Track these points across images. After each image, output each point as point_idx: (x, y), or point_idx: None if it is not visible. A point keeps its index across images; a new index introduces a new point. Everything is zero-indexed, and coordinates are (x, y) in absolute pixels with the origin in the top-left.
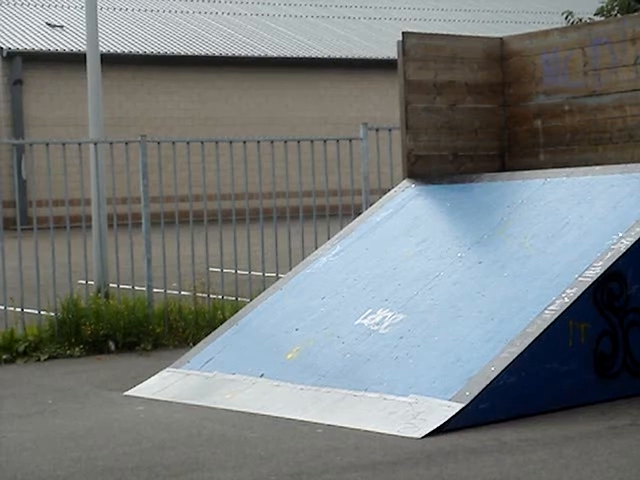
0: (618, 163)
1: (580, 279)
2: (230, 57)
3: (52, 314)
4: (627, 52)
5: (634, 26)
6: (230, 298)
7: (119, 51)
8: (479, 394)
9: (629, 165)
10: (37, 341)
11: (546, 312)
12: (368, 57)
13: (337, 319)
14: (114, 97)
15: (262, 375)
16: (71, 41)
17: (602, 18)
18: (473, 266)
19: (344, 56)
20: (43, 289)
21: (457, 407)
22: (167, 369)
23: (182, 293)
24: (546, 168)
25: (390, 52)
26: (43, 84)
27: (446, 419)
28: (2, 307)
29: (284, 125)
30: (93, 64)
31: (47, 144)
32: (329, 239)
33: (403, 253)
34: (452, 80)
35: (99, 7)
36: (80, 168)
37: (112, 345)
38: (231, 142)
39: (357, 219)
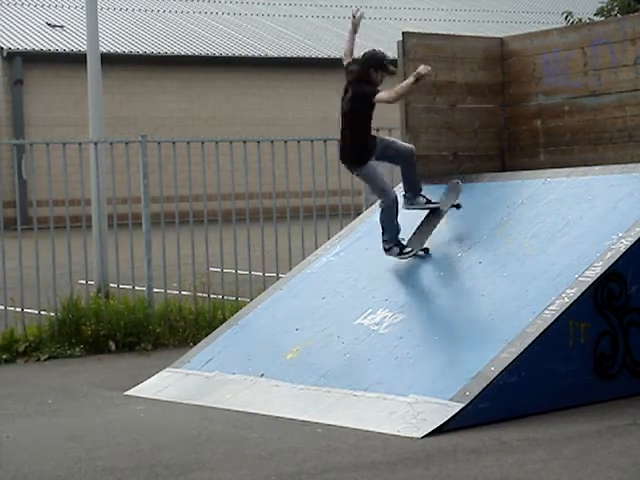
0: (618, 163)
1: (580, 279)
2: (230, 57)
3: (52, 314)
4: (627, 52)
5: (634, 26)
6: (230, 298)
7: (119, 51)
8: (479, 394)
9: (629, 165)
10: (37, 341)
11: (546, 312)
12: None
13: (337, 319)
14: (114, 97)
15: (262, 375)
16: (71, 41)
17: (602, 18)
18: (473, 266)
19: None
20: (43, 289)
21: (457, 407)
22: (167, 369)
23: (182, 293)
24: (546, 168)
25: (390, 52)
26: (43, 84)
27: (446, 419)
28: (2, 307)
29: (284, 125)
30: (93, 64)
31: (47, 144)
32: (329, 239)
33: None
34: (452, 80)
35: (99, 7)
36: (80, 168)
37: (112, 345)
38: (231, 142)
39: (357, 219)
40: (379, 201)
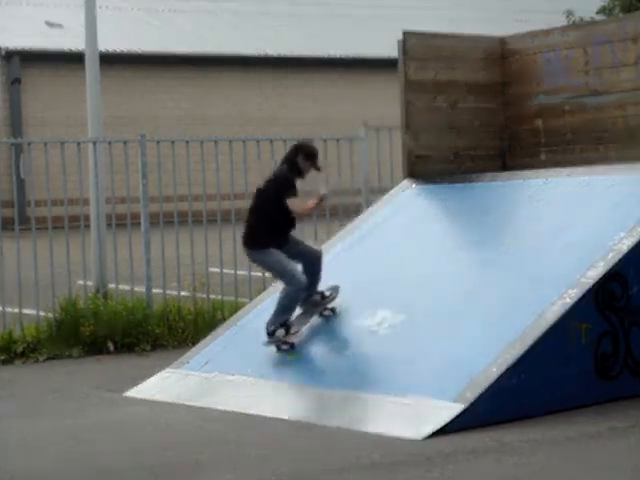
0: (619, 163)
1: (581, 279)
2: (230, 57)
3: (50, 315)
4: (628, 51)
5: (635, 25)
6: (230, 298)
7: (118, 50)
8: (480, 395)
9: (630, 165)
10: (35, 342)
11: (547, 313)
12: (368, 57)
13: (337, 319)
14: (113, 96)
15: (262, 376)
16: (70, 40)
17: (603, 17)
18: (473, 266)
19: (344, 56)
20: (41, 289)
21: (458, 408)
22: (166, 370)
23: (181, 293)
24: (547, 167)
25: (390, 52)
26: (42, 83)
27: (447, 420)
28: (0, 308)
29: (284, 125)
30: (92, 63)
31: (45, 143)
32: (329, 239)
33: (403, 253)
34: (452, 80)
35: (98, 6)
36: (79, 167)
37: (111, 346)
38: (231, 142)
39: (357, 219)
40: (284, 285)
